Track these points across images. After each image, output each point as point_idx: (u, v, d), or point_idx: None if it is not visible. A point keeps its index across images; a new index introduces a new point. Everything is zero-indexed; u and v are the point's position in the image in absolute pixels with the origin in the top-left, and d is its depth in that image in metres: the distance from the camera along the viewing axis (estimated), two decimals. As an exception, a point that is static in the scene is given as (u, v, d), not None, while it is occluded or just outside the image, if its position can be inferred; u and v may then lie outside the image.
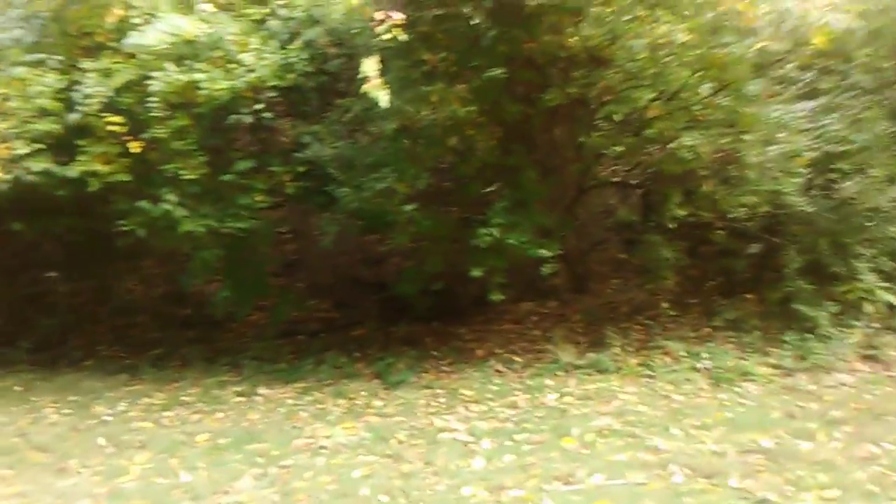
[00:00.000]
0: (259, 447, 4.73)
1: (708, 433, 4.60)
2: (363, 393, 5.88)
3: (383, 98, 4.73)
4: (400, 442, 4.71)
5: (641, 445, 4.38)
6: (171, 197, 5.86)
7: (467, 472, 4.11)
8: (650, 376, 5.88)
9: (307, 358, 6.79)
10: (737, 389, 5.56)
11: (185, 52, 5.52)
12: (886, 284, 6.21)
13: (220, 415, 5.57)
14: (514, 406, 5.39)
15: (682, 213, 6.21)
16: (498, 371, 6.24)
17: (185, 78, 5.41)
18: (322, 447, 4.68)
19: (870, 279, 6.20)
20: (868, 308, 6.22)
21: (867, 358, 6.01)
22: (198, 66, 5.51)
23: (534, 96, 6.04)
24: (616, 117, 5.94)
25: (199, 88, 5.50)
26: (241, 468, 4.37)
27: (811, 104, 6.27)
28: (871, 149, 6.31)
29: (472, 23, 5.50)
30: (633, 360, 6.15)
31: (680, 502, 3.53)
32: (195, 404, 5.85)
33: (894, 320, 6.27)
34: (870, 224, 6.24)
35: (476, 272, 5.93)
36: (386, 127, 6.04)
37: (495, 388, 5.82)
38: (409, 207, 6.07)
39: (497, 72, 5.52)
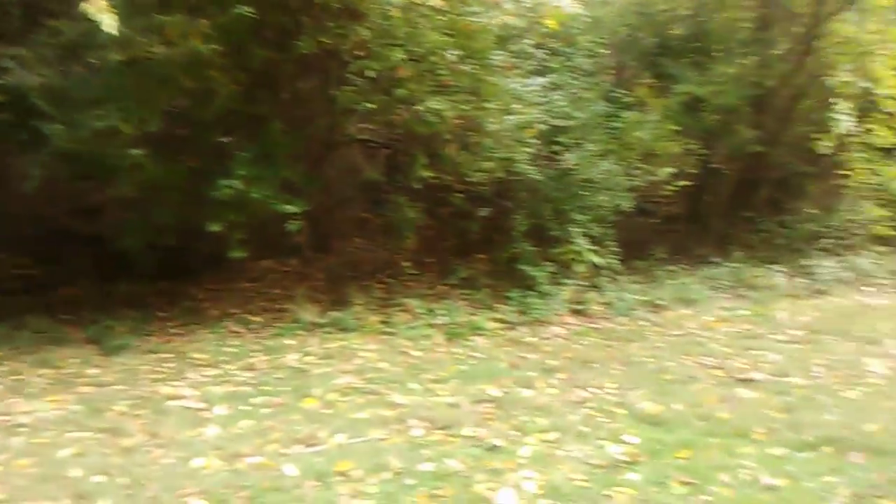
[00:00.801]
0: (-67, 430, 3.90)
1: (443, 386, 4.79)
2: (74, 360, 5.15)
3: (108, 23, 4.06)
4: (120, 414, 4.20)
5: (382, 402, 4.43)
6: None
7: (199, 441, 3.80)
8: (390, 333, 5.99)
9: (1, 322, 5.77)
10: (469, 343, 5.90)
11: None
12: (594, 247, 7.01)
13: None
14: (251, 368, 5.12)
15: (427, 174, 6.35)
16: (234, 332, 5.89)
17: None
18: (20, 425, 3.99)
19: (581, 242, 6.94)
20: (578, 268, 6.97)
21: (576, 312, 6.76)
22: None
23: (284, 42, 5.70)
24: (369, 73, 5.83)
25: None
26: None
27: (542, 79, 6.78)
28: (588, 126, 7.03)
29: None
30: (375, 318, 6.20)
31: (418, 454, 3.61)
32: None
33: (598, 278, 7.12)
34: (584, 193, 6.98)
35: (214, 227, 5.49)
36: (110, 57, 5.25)
37: (231, 350, 5.48)
38: (135, 152, 5.40)
39: (245, 9, 5.08)
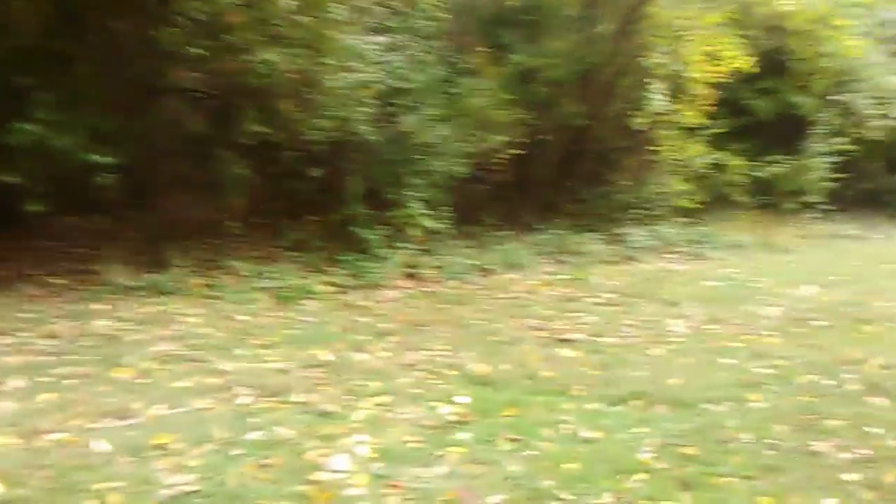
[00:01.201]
0: None
1: (272, 352, 4.61)
2: None
3: None
4: None
5: (206, 369, 4.17)
6: None
7: (-10, 418, 3.36)
8: (215, 297, 5.66)
9: None
10: (300, 307, 5.73)
11: None
12: (428, 212, 7.07)
13: None
14: (53, 336, 4.60)
15: (257, 130, 6.02)
16: (32, 296, 5.28)
17: None
18: None
19: (416, 206, 6.97)
20: (413, 232, 7.00)
21: (409, 276, 6.81)
22: None
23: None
24: (194, 15, 5.36)
25: None
26: None
27: (382, 39, 6.64)
28: (427, 90, 7.02)
29: None
30: (197, 281, 5.84)
31: (246, 423, 3.45)
32: None
33: (431, 243, 7.21)
34: (420, 157, 6.99)
35: (9, 177, 4.83)
36: None
37: (29, 315, 4.90)
38: None
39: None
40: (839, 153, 10.19)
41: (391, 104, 6.95)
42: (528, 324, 5.50)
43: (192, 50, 5.54)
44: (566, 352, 4.83)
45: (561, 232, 8.30)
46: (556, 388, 4.10)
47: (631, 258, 8.12)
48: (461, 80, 7.55)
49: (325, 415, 3.64)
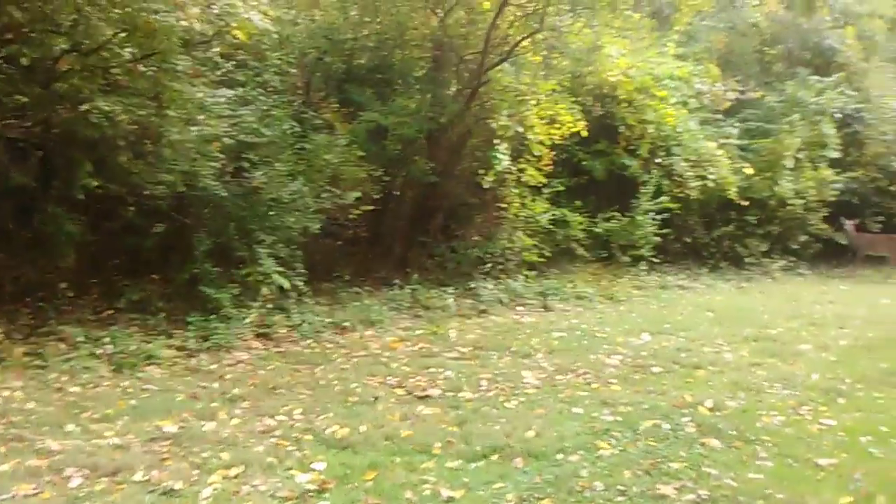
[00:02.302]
0: None
1: (109, 425, 4.23)
2: None
3: None
4: None
5: (31, 449, 3.74)
6: None
7: None
8: (41, 367, 5.14)
9: None
10: (140, 374, 5.33)
11: None
12: (281, 269, 6.87)
13: None
14: None
15: (93, 183, 5.61)
16: None
17: None
18: None
19: (268, 263, 6.76)
20: (264, 290, 6.76)
21: (262, 336, 6.55)
22: None
23: None
24: (23, 61, 4.95)
25: None
26: None
27: (230, 92, 6.49)
28: (277, 144, 6.91)
29: None
30: (20, 350, 5.28)
31: (77, 510, 3.11)
32: None
33: (284, 301, 6.99)
34: (272, 213, 6.82)
35: None
36: None
37: None
38: None
39: None
40: (664, 210, 11.16)
41: (242, 158, 6.77)
42: (387, 381, 5.45)
43: (19, 98, 5.10)
44: (425, 409, 4.82)
45: (415, 286, 8.37)
46: (417, 448, 4.07)
47: (484, 311, 8.32)
48: (313, 135, 7.52)
49: (170, 493, 3.38)
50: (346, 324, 7.07)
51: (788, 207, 12.33)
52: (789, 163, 12.22)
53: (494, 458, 3.97)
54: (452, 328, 7.42)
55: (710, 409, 4.80)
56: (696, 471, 3.78)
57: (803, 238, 12.67)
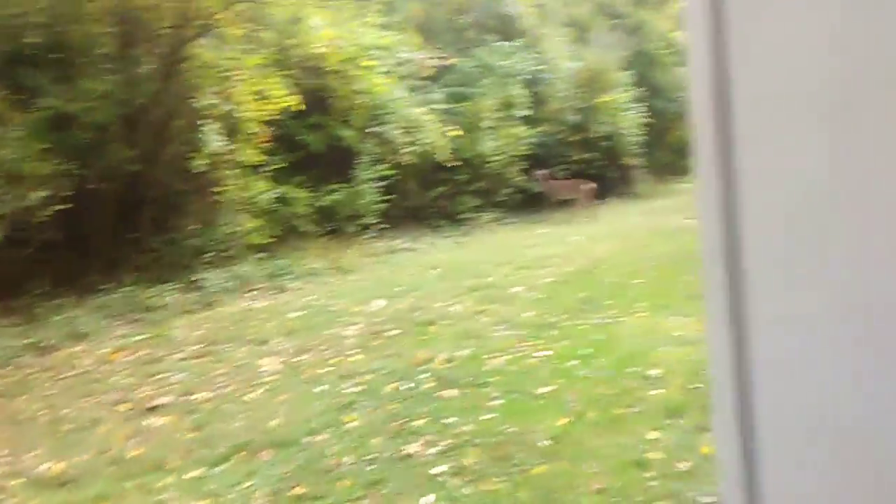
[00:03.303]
0: None
1: None
2: None
3: None
4: None
5: None
6: None
7: None
8: None
9: None
10: None
11: None
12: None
13: None
14: None
15: None
16: None
17: None
18: None
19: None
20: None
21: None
22: None
23: None
24: None
25: None
26: None
27: None
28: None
29: None
30: None
31: None
32: None
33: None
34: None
35: None
36: None
37: None
38: None
39: None
40: (384, 177, 11.49)
41: None
42: (106, 399, 4.90)
43: None
44: (157, 420, 4.43)
45: (130, 288, 7.60)
46: (151, 465, 3.73)
47: (212, 303, 7.86)
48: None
49: None
50: (48, 343, 6.18)
51: (491, 164, 13.49)
52: (487, 123, 13.33)
53: (240, 456, 3.79)
54: (178, 327, 6.90)
55: (445, 362, 5.09)
56: (437, 423, 3.98)
57: (506, 190, 13.97)
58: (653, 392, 4.13)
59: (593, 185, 14.18)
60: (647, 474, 3.17)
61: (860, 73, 0.51)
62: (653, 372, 4.44)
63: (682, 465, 3.20)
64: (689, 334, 5.12)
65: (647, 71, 19.28)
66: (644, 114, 17.63)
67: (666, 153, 20.80)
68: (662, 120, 19.99)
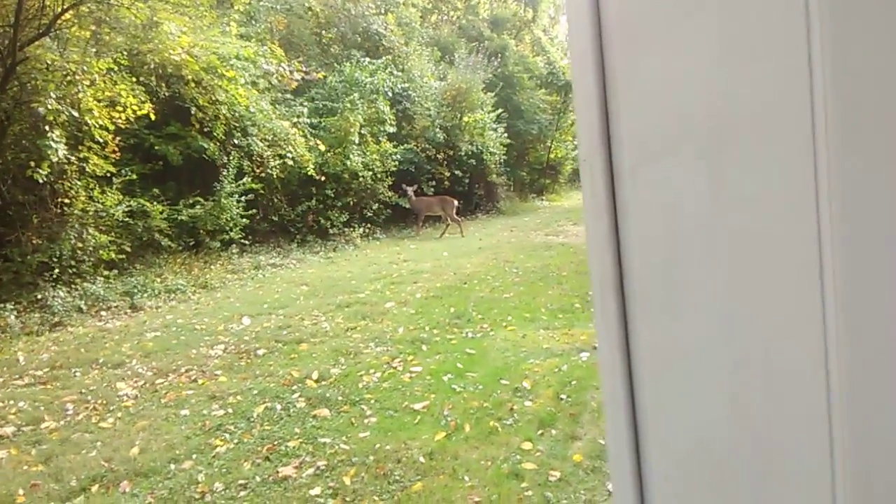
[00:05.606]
0: None
1: None
2: None
3: None
4: None
5: None
6: None
7: None
8: None
9: None
10: None
11: None
12: None
13: None
14: None
15: None
16: None
17: None
18: None
19: None
20: None
21: None
22: None
23: None
24: None
25: None
26: None
27: None
28: None
29: None
30: None
31: None
32: None
33: None
34: None
35: None
36: None
37: None
38: None
39: None
40: (248, 191, 11.12)
41: None
42: (-67, 434, 4.37)
43: None
44: (-3, 454, 4.01)
45: (-40, 309, 6.85)
46: (-9, 506, 3.37)
47: (58, 324, 7.24)
48: None
49: None
50: None
51: (360, 179, 13.44)
52: (355, 138, 13.29)
53: (95, 489, 3.51)
54: (19, 350, 6.30)
55: (317, 381, 5.00)
56: (312, 444, 3.89)
57: (375, 206, 13.98)
58: (525, 404, 4.27)
59: (459, 201, 14.53)
60: (523, 484, 3.28)
61: (735, 110, 0.54)
62: (524, 384, 4.60)
63: (556, 474, 3.34)
64: (556, 347, 5.36)
65: (508, 93, 20.09)
66: (505, 135, 18.34)
67: (527, 172, 21.75)
68: (523, 141, 20.91)
